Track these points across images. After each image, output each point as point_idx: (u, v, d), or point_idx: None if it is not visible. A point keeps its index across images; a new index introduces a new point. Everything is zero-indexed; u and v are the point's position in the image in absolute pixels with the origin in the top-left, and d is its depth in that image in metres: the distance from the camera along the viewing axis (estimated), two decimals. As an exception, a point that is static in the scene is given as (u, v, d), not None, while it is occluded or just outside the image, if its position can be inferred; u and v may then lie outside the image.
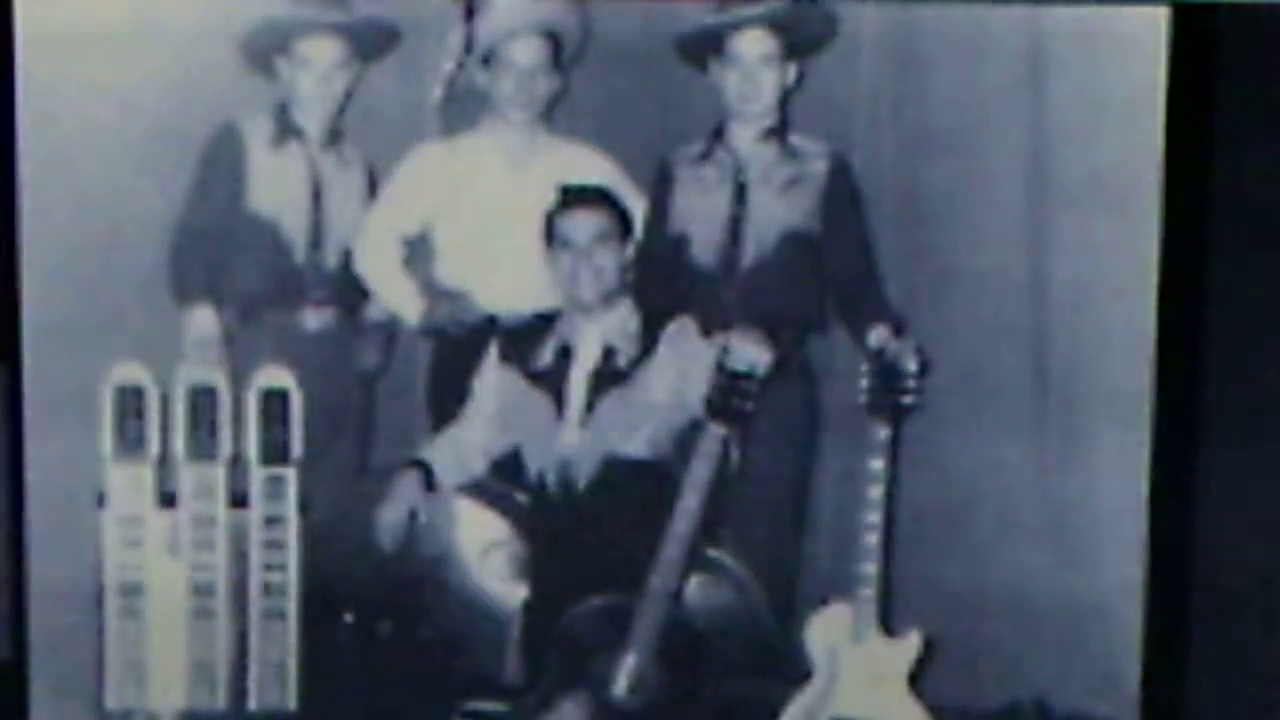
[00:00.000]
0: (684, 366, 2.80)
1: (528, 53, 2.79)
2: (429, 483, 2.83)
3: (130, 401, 2.75)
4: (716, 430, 2.73)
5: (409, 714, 2.84)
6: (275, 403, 2.77)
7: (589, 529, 2.82)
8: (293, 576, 2.80)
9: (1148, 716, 2.79)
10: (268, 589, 2.80)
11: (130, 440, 2.76)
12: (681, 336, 2.81)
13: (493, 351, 2.85)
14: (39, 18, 2.66)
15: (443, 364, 2.87)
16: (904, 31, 2.73)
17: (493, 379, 2.85)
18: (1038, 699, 2.85)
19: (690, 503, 2.72)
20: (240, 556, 2.80)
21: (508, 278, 2.84)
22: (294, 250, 2.82)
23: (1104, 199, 2.73)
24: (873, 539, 2.72)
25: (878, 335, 2.77)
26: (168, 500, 2.78)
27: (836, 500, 2.83)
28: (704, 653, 2.80)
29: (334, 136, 2.82)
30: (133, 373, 2.75)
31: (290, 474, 2.79)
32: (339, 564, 2.82)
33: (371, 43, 2.77)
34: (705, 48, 2.78)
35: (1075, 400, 2.79)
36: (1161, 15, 2.67)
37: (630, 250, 2.82)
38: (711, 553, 2.80)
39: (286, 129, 2.80)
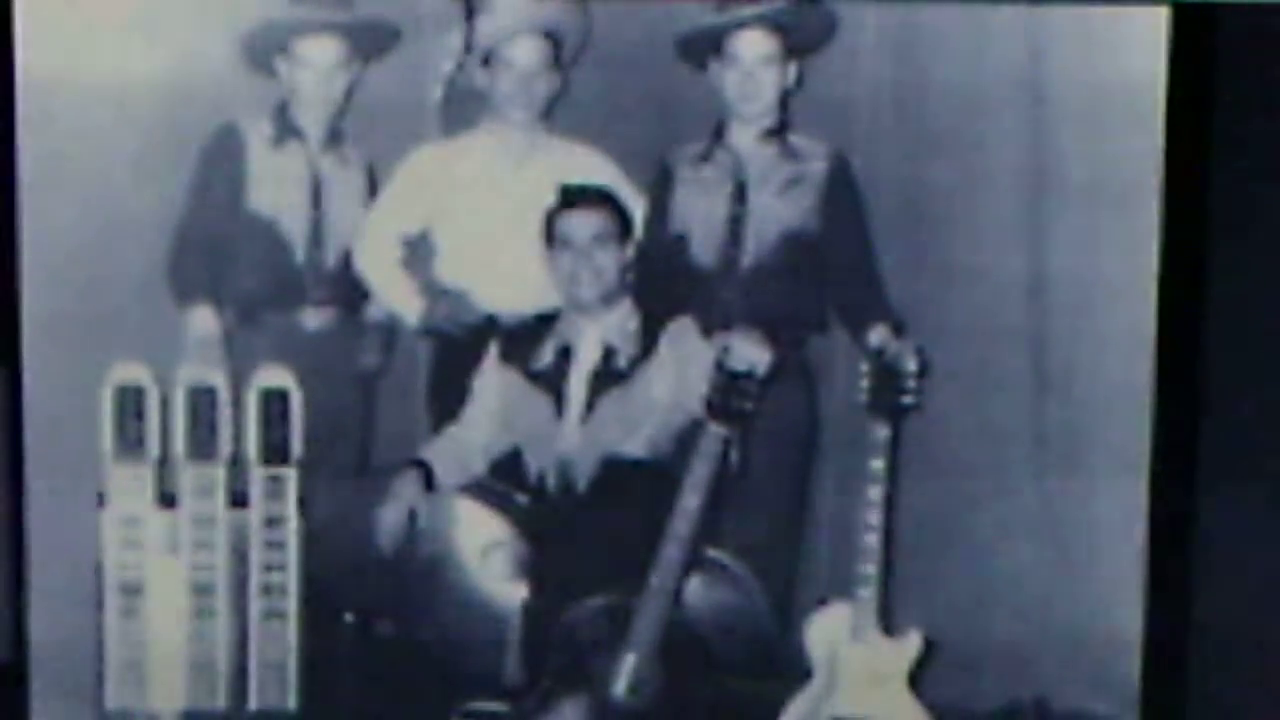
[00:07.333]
0: (684, 366, 2.80)
1: (528, 53, 2.79)
2: (429, 483, 2.83)
3: (130, 401, 2.75)
4: (716, 430, 2.73)
5: (409, 714, 2.84)
6: (275, 403, 2.77)
7: (589, 529, 2.82)
8: (293, 576, 2.80)
9: (1148, 716, 2.79)
10: (268, 589, 2.80)
11: (130, 440, 2.76)
12: (681, 336, 2.81)
13: (493, 351, 2.85)
14: (39, 17, 2.66)
15: (443, 364, 2.87)
16: (904, 31, 2.73)
17: (493, 379, 2.85)
18: (1038, 699, 2.85)
19: (690, 503, 2.72)
20: (240, 556, 2.80)
21: (508, 278, 2.84)
22: (294, 250, 2.83)
23: (1104, 198, 2.74)
24: (873, 539, 2.72)
25: (878, 335, 2.77)
26: (168, 500, 2.78)
27: (836, 500, 2.83)
28: (704, 653, 2.80)
29: (334, 136, 2.82)
30: (133, 373, 2.75)
31: (290, 474, 2.79)
32: (339, 564, 2.82)
33: (371, 43, 2.77)
34: (705, 48, 2.78)
35: (1075, 400, 2.80)
36: (1161, 15, 2.68)
37: (630, 250, 2.82)
38: (711, 553, 2.80)
39: (286, 129, 2.81)
